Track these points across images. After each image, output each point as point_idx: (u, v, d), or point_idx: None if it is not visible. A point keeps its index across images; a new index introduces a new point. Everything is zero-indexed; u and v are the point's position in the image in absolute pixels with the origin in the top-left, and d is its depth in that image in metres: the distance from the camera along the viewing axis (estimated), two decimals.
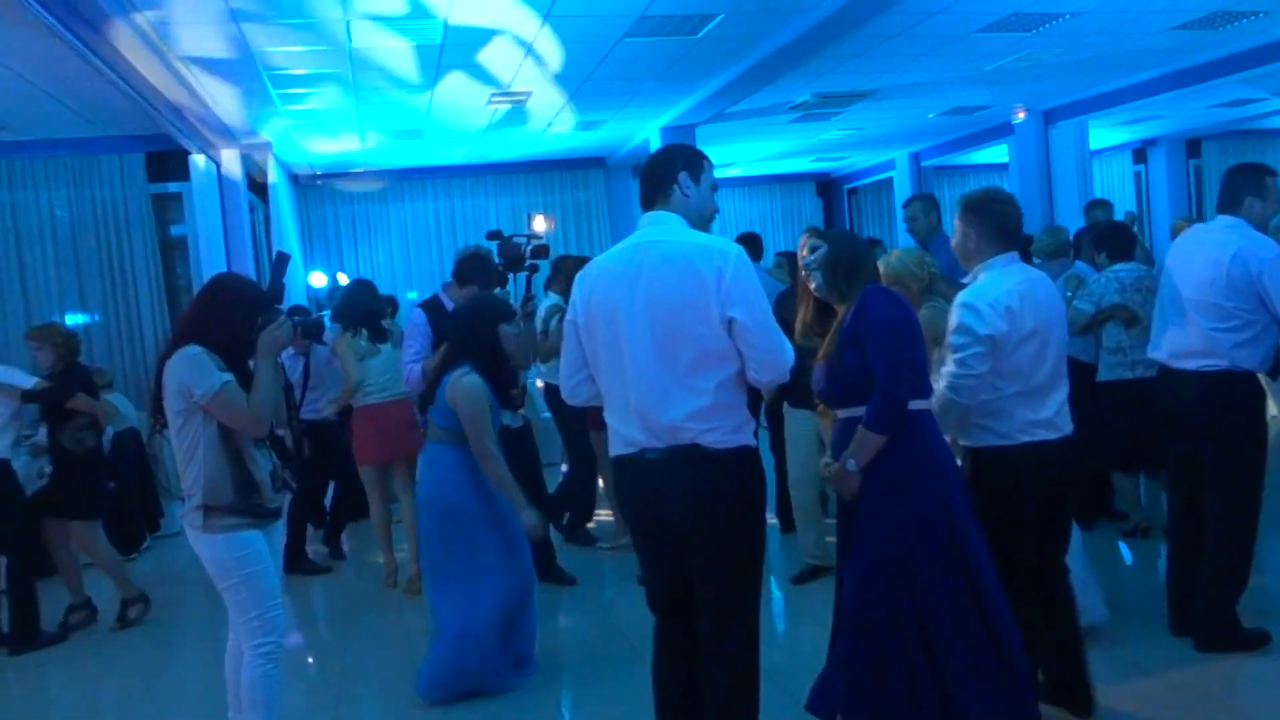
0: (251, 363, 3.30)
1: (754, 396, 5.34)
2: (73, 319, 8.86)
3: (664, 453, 2.80)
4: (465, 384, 4.06)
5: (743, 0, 6.06)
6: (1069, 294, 5.41)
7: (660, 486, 2.83)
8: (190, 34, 5.96)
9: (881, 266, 3.93)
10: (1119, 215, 8.74)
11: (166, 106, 6.95)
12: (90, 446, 5.42)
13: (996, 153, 13.23)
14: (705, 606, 2.93)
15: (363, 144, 10.21)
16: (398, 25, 6.10)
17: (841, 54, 7.50)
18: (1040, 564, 3.34)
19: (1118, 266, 5.32)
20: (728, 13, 6.29)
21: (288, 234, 10.58)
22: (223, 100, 7.67)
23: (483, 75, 7.56)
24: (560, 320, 5.69)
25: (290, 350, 5.64)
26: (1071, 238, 6.61)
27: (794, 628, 4.83)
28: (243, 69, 6.79)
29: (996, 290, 3.20)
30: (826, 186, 16.38)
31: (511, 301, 5.19)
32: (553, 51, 6.95)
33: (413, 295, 12.06)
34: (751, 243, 6.83)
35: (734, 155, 13.06)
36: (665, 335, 2.76)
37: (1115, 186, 14.24)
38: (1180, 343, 3.97)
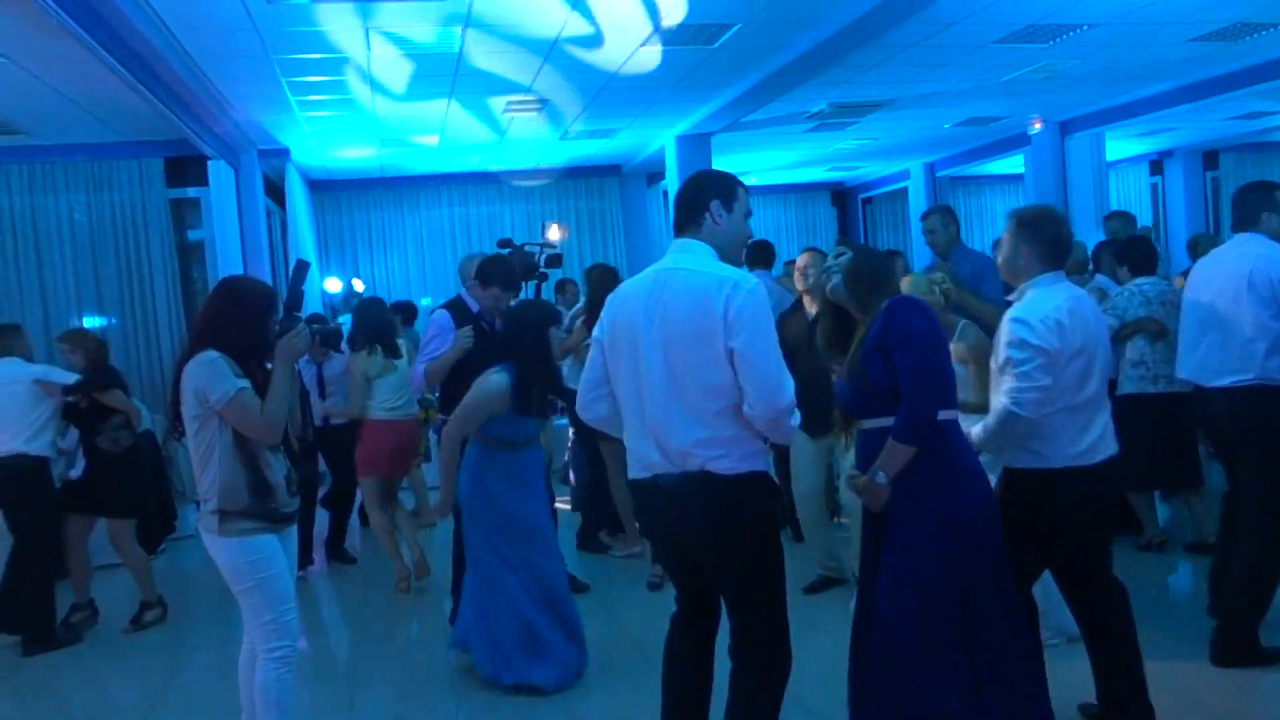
0: (269, 365, 3.32)
1: None
2: (90, 323, 8.91)
3: (676, 478, 2.85)
4: (488, 380, 4.16)
5: (760, 10, 6.07)
6: None
7: (675, 510, 2.89)
8: (210, 40, 6.00)
9: None
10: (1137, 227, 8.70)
11: (186, 112, 7.00)
12: (126, 446, 5.54)
13: (1013, 163, 13.20)
14: (731, 620, 2.99)
15: (379, 151, 10.26)
16: (416, 34, 6.13)
17: (858, 64, 7.50)
18: (1091, 585, 3.31)
19: (1140, 280, 5.30)
20: (745, 22, 6.30)
21: (304, 240, 10.64)
22: (242, 107, 7.73)
23: (499, 83, 7.59)
24: (583, 321, 5.77)
25: (305, 357, 5.70)
26: (1090, 251, 6.59)
27: (804, 637, 4.78)
28: (262, 76, 6.83)
29: (1046, 306, 3.16)
30: (841, 196, 16.37)
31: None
32: (570, 60, 6.97)
33: (426, 301, 12.09)
34: (763, 251, 6.82)
35: (749, 164, 13.07)
36: (678, 364, 2.81)
37: (1132, 198, 14.19)
38: (1209, 360, 4.01)
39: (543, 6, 5.73)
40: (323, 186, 12.13)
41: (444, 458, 4.28)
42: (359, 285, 11.65)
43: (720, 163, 10.75)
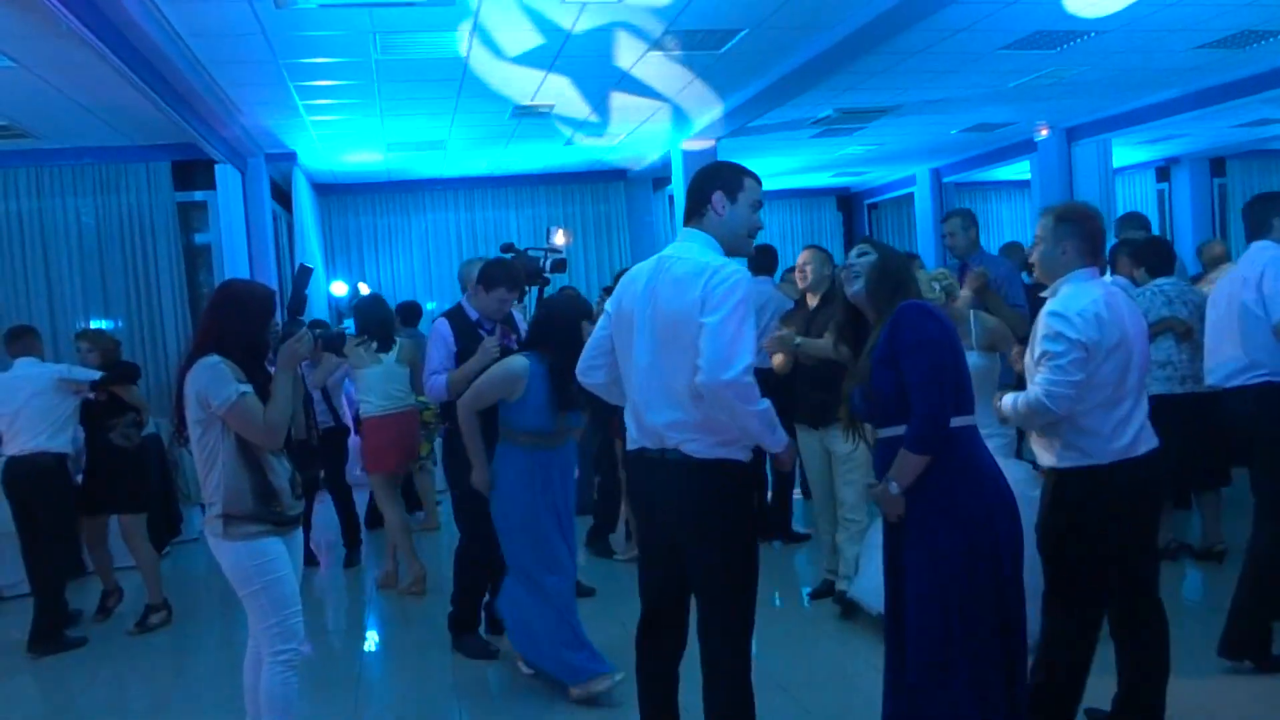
0: (271, 368, 3.33)
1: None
2: (97, 325, 8.93)
3: (655, 453, 3.00)
4: (509, 360, 4.19)
5: (767, 16, 6.08)
6: None
7: (653, 483, 3.04)
8: (218, 45, 6.03)
9: None
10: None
11: (193, 117, 7.02)
12: (137, 443, 5.71)
13: (1019, 169, 13.18)
14: (699, 606, 3.06)
15: (385, 155, 10.28)
16: (423, 38, 6.15)
17: (864, 70, 7.51)
18: (1134, 590, 3.28)
19: (1159, 280, 5.26)
20: (752, 28, 6.32)
21: (310, 243, 10.67)
22: (249, 111, 7.76)
23: (507, 88, 7.60)
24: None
25: (305, 362, 5.77)
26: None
27: (809, 642, 4.81)
28: (269, 81, 6.86)
29: (1083, 300, 3.13)
30: (847, 201, 16.37)
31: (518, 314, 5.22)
32: (577, 65, 6.99)
33: (432, 305, 12.11)
34: (765, 256, 6.82)
35: (755, 169, 12.81)
36: (660, 346, 2.93)
37: (1138, 205, 14.15)
38: (1229, 362, 4.13)
39: (550, 11, 5.74)
40: (329, 190, 12.17)
41: (464, 434, 4.25)
42: (365, 289, 11.67)
43: (749, 170, 10.77)
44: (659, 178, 12.51)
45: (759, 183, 3.10)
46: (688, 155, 10.02)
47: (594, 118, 8.93)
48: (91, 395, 5.57)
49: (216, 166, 8.64)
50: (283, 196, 10.45)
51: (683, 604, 3.18)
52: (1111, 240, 7.60)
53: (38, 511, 5.42)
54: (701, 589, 3.04)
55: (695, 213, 3.02)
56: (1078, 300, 3.14)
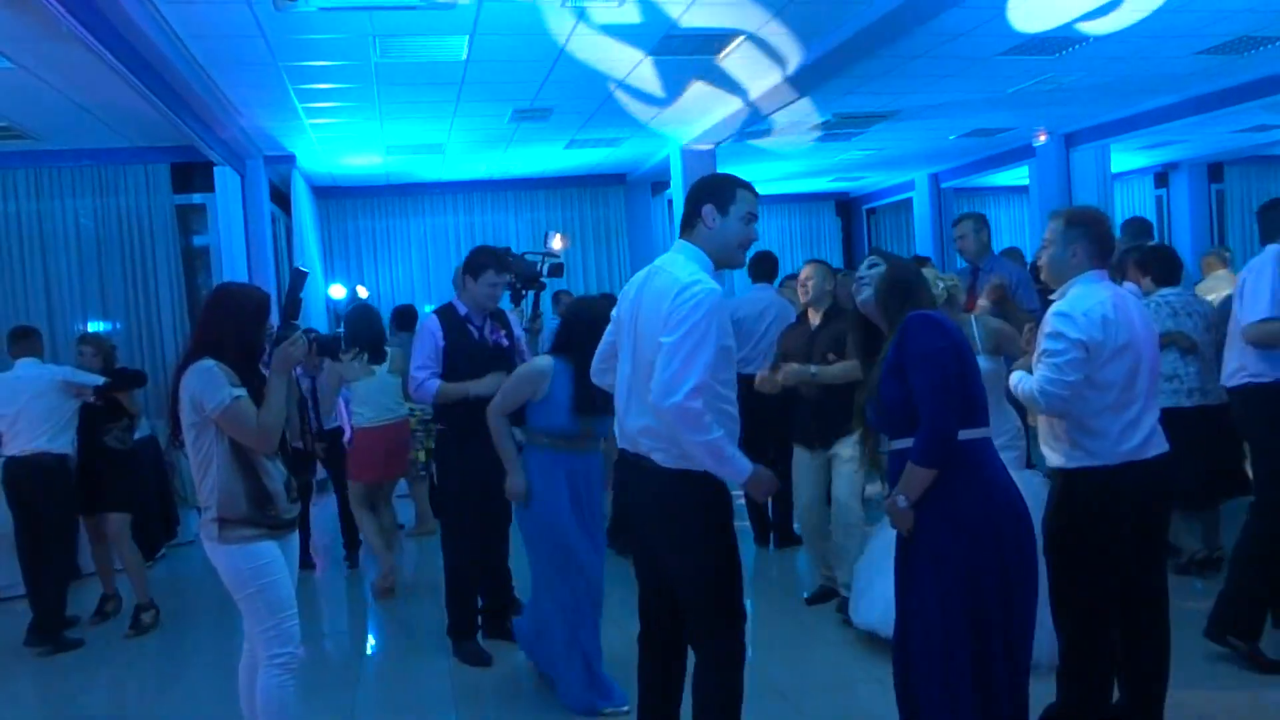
0: (265, 370, 3.33)
1: (757, 429, 5.37)
2: (95, 327, 8.93)
3: (632, 458, 3.09)
4: (535, 360, 4.21)
5: (765, 22, 6.08)
6: None
7: (631, 489, 3.14)
8: (217, 47, 6.02)
9: None
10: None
11: (193, 119, 7.02)
12: (130, 445, 5.87)
13: (1017, 175, 13.20)
14: (685, 612, 3.11)
15: (385, 158, 10.29)
16: (422, 42, 6.15)
17: (863, 75, 7.52)
18: (1137, 599, 3.26)
19: (1165, 291, 5.21)
20: (750, 33, 6.32)
21: (309, 246, 10.66)
22: (248, 113, 7.76)
23: (506, 92, 7.61)
24: None
25: (298, 369, 5.86)
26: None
27: (805, 648, 4.80)
28: (269, 83, 6.86)
29: (1090, 301, 3.14)
30: (846, 206, 16.39)
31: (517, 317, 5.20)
32: (576, 69, 6.99)
33: (430, 309, 12.09)
34: (764, 262, 6.82)
35: (754, 174, 13.07)
36: (639, 356, 3.02)
37: (1136, 210, 14.17)
38: (1227, 365, 4.27)
39: (549, 16, 5.75)
40: (328, 193, 12.17)
41: (495, 439, 4.21)
42: (363, 292, 11.66)
43: (745, 182, 10.77)
44: (658, 182, 12.51)
45: (754, 194, 3.11)
46: (687, 159, 10.03)
47: (593, 122, 8.92)
48: (92, 399, 5.62)
49: (215, 169, 8.64)
50: (281, 199, 10.45)
51: (675, 614, 3.18)
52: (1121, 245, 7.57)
53: (41, 511, 5.46)
54: (681, 596, 3.08)
55: (688, 224, 3.07)
56: (1084, 301, 3.15)
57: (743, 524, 5.76)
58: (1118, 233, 7.60)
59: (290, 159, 9.58)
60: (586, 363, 3.80)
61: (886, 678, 4.05)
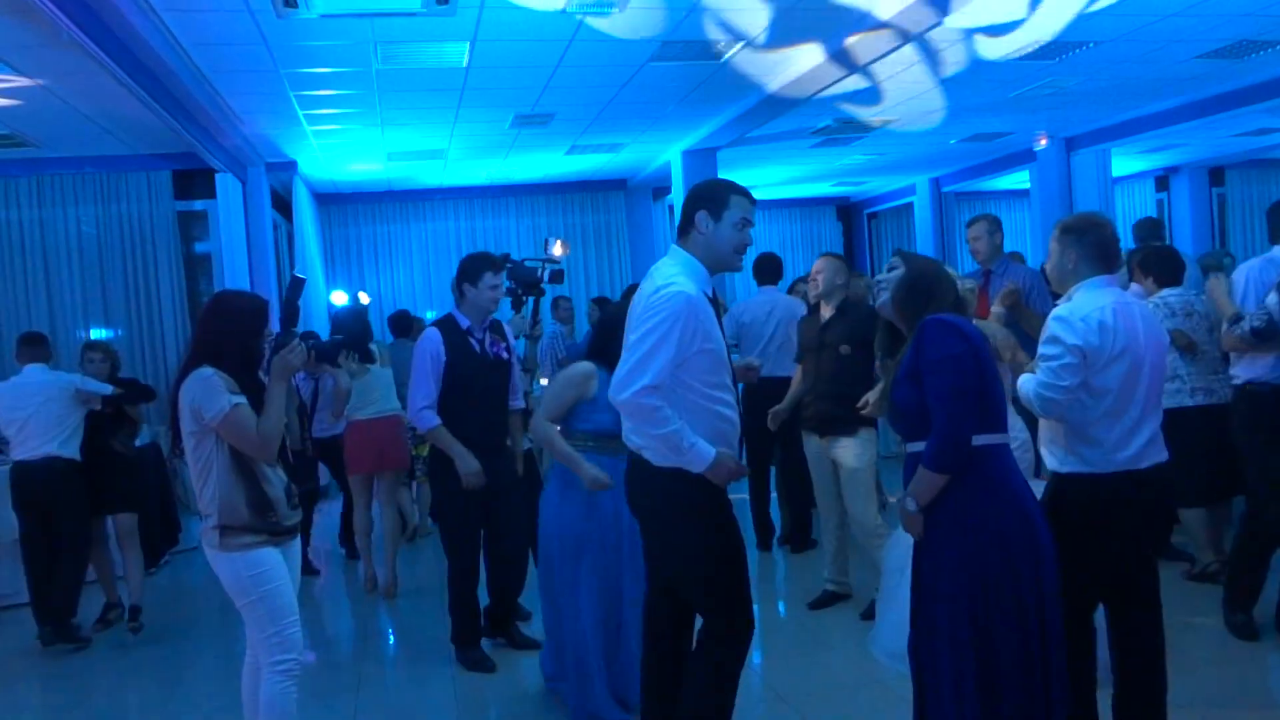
0: (264, 376, 3.33)
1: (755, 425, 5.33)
2: (97, 334, 8.94)
3: (633, 455, 3.16)
4: (575, 365, 4.19)
5: (765, 27, 6.09)
6: None
7: (631, 484, 3.21)
8: (219, 55, 6.03)
9: None
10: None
11: (194, 126, 7.03)
12: (134, 450, 6.10)
13: (1018, 179, 13.20)
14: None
15: (386, 164, 10.30)
16: (423, 49, 6.16)
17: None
18: (1125, 600, 3.25)
19: (1165, 292, 5.20)
20: (751, 39, 6.32)
21: (310, 253, 10.67)
22: (250, 121, 7.77)
23: (507, 98, 7.62)
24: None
25: (301, 374, 6.00)
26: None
27: (809, 654, 4.80)
28: (270, 91, 6.87)
29: (1089, 306, 3.14)
30: (847, 211, 16.39)
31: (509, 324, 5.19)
32: (577, 75, 7.00)
33: (431, 315, 12.11)
34: (768, 264, 6.83)
35: (755, 179, 13.08)
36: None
37: (1138, 214, 14.16)
38: (1233, 368, 4.56)
39: (550, 22, 5.76)
40: (329, 200, 12.18)
41: (549, 445, 4.13)
42: (365, 298, 11.66)
43: (726, 177, 10.77)
44: (659, 187, 12.52)
45: (749, 199, 3.13)
46: (688, 164, 10.04)
47: (594, 127, 8.93)
48: (99, 407, 5.72)
49: (217, 176, 8.65)
50: (283, 206, 10.46)
51: (679, 615, 3.21)
52: (1130, 246, 7.58)
53: (53, 515, 5.56)
54: (683, 596, 3.15)
55: (683, 231, 3.12)
56: (1083, 306, 3.15)
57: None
58: (1128, 234, 7.64)
59: (292, 166, 9.59)
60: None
61: (889, 682, 4.08)
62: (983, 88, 8.17)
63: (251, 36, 5.67)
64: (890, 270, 3.08)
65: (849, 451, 4.98)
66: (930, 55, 7.00)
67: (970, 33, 6.50)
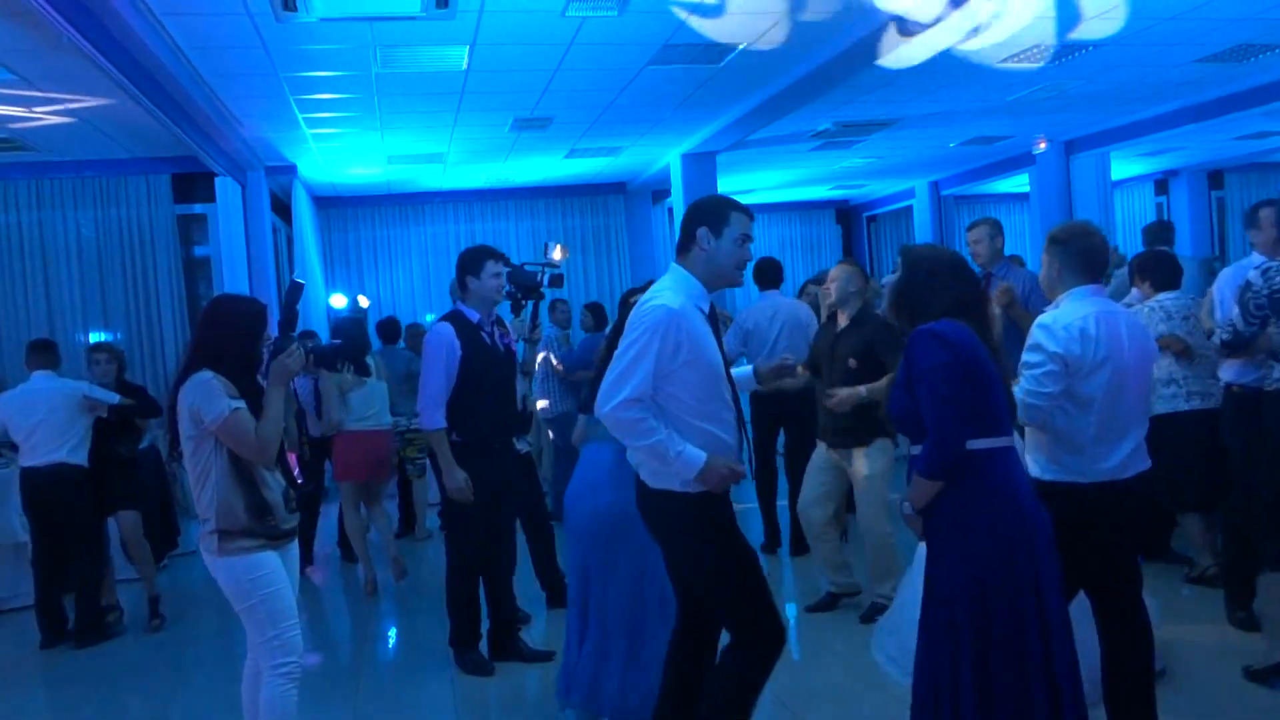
0: (262, 380, 3.33)
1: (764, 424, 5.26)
2: (96, 337, 8.92)
3: (635, 472, 3.14)
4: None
5: (764, 32, 6.09)
6: None
7: (637, 501, 3.20)
8: (218, 58, 6.04)
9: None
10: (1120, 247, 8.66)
11: (194, 129, 7.03)
12: (136, 452, 6.23)
13: (1018, 182, 13.21)
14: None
15: (385, 168, 10.30)
16: (423, 53, 6.16)
17: (863, 84, 7.53)
18: (1120, 603, 3.25)
19: (1162, 296, 5.19)
20: (750, 44, 6.33)
21: (309, 256, 10.67)
22: (250, 124, 7.77)
23: (506, 102, 7.62)
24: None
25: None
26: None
27: (808, 655, 4.80)
28: (270, 94, 6.87)
29: (1072, 315, 3.17)
30: (846, 214, 16.40)
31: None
32: (576, 78, 7.00)
33: (430, 318, 12.12)
34: (770, 268, 6.82)
35: (754, 182, 13.10)
36: None
37: (1137, 218, 14.18)
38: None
39: (549, 26, 5.76)
40: (329, 203, 12.18)
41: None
42: (364, 302, 11.66)
43: (725, 180, 10.79)
44: (658, 190, 12.52)
45: (748, 215, 3.14)
46: (686, 168, 10.04)
47: (593, 130, 8.93)
48: (105, 414, 5.79)
49: (216, 179, 8.65)
50: (282, 209, 10.46)
51: (696, 618, 3.22)
52: (1140, 249, 7.56)
53: (64, 521, 5.65)
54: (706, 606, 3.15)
55: (683, 249, 3.13)
56: (1066, 315, 3.19)
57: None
58: (1126, 238, 7.64)
59: (291, 169, 9.59)
60: None
61: (889, 687, 4.07)
62: (982, 91, 8.18)
63: (251, 40, 5.67)
64: (894, 272, 3.11)
65: (862, 461, 4.97)
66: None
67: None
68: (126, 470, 6.04)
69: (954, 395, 2.78)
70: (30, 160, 8.58)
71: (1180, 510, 5.35)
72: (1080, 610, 3.24)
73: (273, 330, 3.50)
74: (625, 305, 5.38)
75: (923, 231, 14.22)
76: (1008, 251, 6.14)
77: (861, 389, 4.53)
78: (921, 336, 2.87)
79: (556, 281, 5.77)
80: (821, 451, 5.18)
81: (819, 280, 6.65)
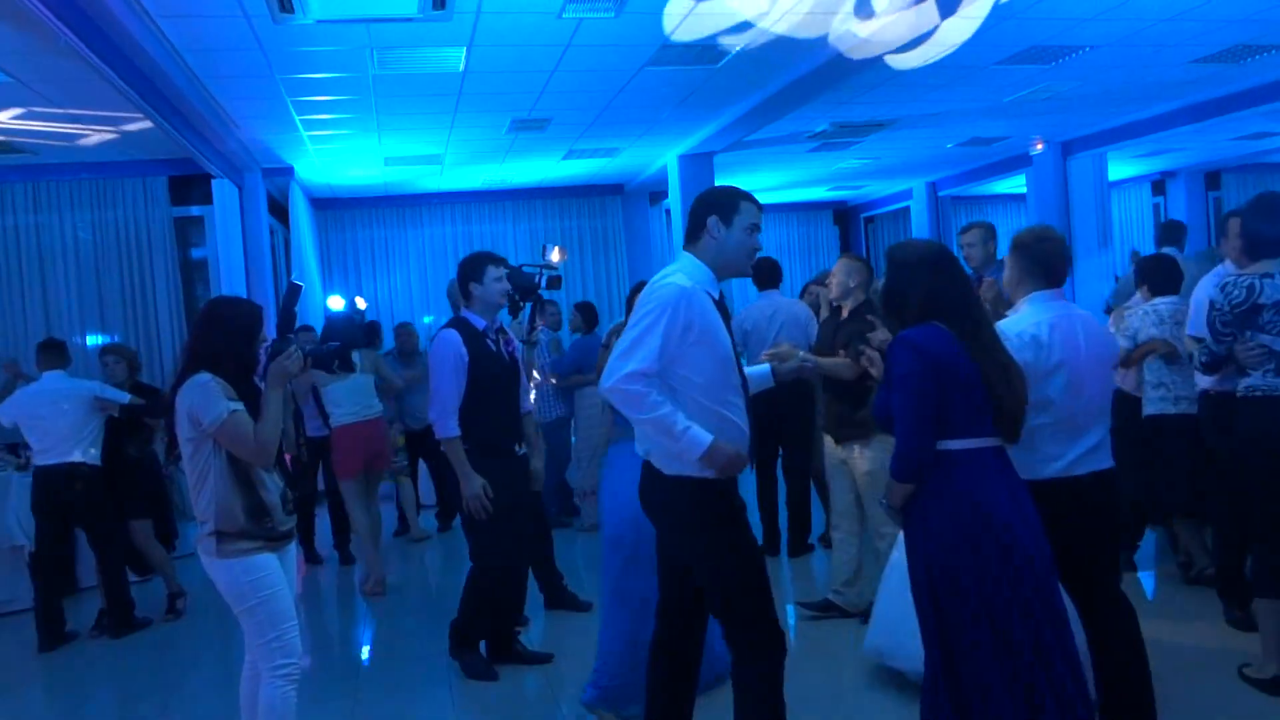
0: (259, 381, 3.33)
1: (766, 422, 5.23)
2: (93, 340, 8.93)
3: (645, 461, 3.12)
4: None
5: (762, 33, 6.09)
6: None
7: (644, 490, 3.17)
8: (215, 60, 6.03)
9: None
10: (1127, 247, 8.65)
11: (191, 132, 7.03)
12: (145, 454, 6.24)
13: (1015, 183, 13.23)
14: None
15: (383, 169, 10.30)
16: (420, 54, 6.16)
17: (860, 84, 7.53)
18: (1094, 598, 3.27)
19: (1157, 300, 5.16)
20: (747, 44, 6.33)
21: (307, 258, 10.66)
22: (247, 126, 7.76)
23: (503, 103, 7.62)
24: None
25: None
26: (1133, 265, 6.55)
27: (808, 657, 4.78)
28: (267, 96, 6.86)
29: (1026, 321, 3.24)
30: (843, 215, 16.41)
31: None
32: (573, 80, 7.00)
33: (429, 320, 12.12)
34: (768, 267, 6.82)
35: (752, 183, 13.08)
36: None
37: (1134, 219, 14.21)
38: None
39: (546, 27, 5.76)
40: (326, 204, 12.18)
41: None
42: (362, 303, 11.64)
43: (723, 181, 10.75)
44: (655, 191, 12.52)
45: (757, 205, 3.17)
46: (684, 169, 10.04)
47: (591, 132, 8.94)
48: (116, 414, 5.84)
49: (213, 181, 8.65)
50: (280, 211, 10.45)
51: (690, 618, 3.20)
52: (1106, 255, 7.58)
53: (81, 521, 5.74)
54: (706, 603, 3.14)
55: (693, 237, 3.13)
56: (1021, 322, 3.26)
57: None
58: (1104, 247, 7.65)
59: (288, 171, 9.59)
60: None
61: (888, 689, 4.07)
62: (979, 92, 8.18)
63: (248, 42, 5.66)
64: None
65: (863, 455, 4.97)
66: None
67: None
68: (138, 475, 6.11)
69: (922, 403, 2.86)
70: (27, 163, 8.58)
71: (1172, 516, 5.37)
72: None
73: (270, 332, 3.50)
74: (635, 296, 5.35)
75: (920, 232, 14.23)
76: (1004, 253, 6.13)
77: (798, 351, 4.58)
78: (898, 344, 2.95)
79: (555, 283, 5.77)
80: (830, 448, 5.18)
81: (820, 281, 6.65)
